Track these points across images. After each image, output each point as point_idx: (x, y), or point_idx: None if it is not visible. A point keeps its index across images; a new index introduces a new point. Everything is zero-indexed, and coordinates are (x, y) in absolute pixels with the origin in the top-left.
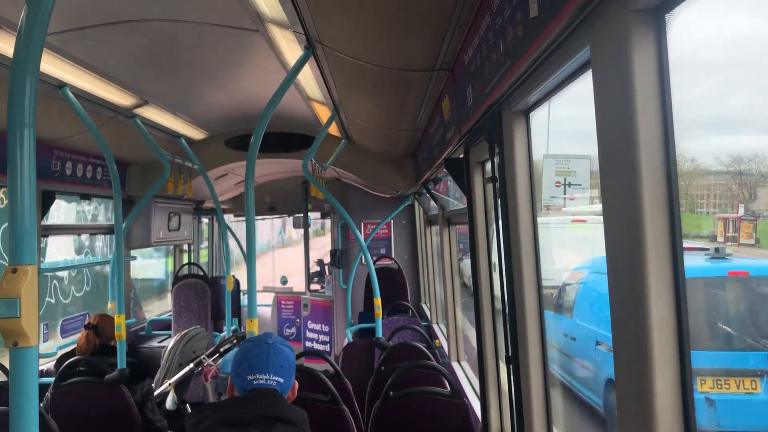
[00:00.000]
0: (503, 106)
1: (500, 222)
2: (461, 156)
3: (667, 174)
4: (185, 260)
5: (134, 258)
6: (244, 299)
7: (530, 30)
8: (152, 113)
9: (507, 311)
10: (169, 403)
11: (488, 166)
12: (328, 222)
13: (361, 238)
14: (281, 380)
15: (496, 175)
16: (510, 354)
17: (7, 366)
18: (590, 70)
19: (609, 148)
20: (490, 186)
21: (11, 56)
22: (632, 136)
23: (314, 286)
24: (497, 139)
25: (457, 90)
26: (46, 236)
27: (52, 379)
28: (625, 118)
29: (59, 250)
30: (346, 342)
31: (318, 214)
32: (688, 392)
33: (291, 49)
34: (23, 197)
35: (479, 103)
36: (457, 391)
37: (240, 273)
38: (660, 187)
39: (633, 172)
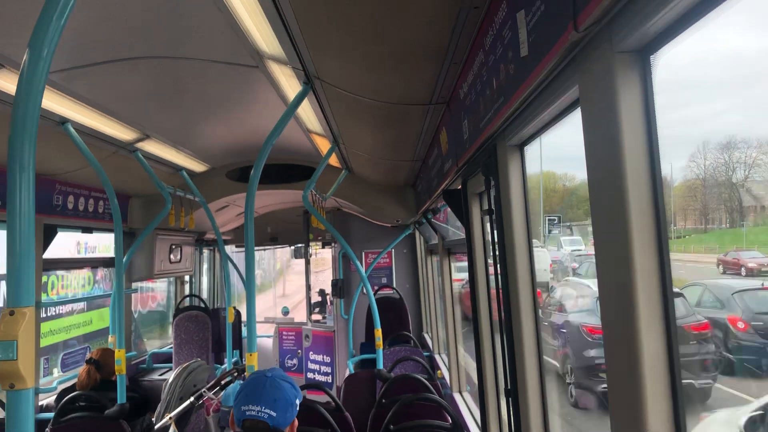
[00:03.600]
0: (498, 141)
1: (497, 253)
2: (459, 187)
3: (655, 208)
4: (186, 292)
5: (135, 290)
6: (245, 331)
7: (521, 68)
8: (154, 147)
9: (505, 343)
10: None
11: (485, 197)
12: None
13: (362, 268)
14: (273, 414)
15: (492, 207)
16: (509, 387)
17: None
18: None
19: (598, 183)
20: (487, 217)
21: (14, 93)
22: (620, 172)
23: (315, 317)
24: (493, 172)
25: (454, 123)
26: (48, 270)
27: (52, 415)
28: (612, 156)
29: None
30: (347, 373)
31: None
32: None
33: (290, 84)
34: (21, 239)
35: (475, 137)
36: (459, 424)
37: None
38: (648, 221)
39: (621, 207)
